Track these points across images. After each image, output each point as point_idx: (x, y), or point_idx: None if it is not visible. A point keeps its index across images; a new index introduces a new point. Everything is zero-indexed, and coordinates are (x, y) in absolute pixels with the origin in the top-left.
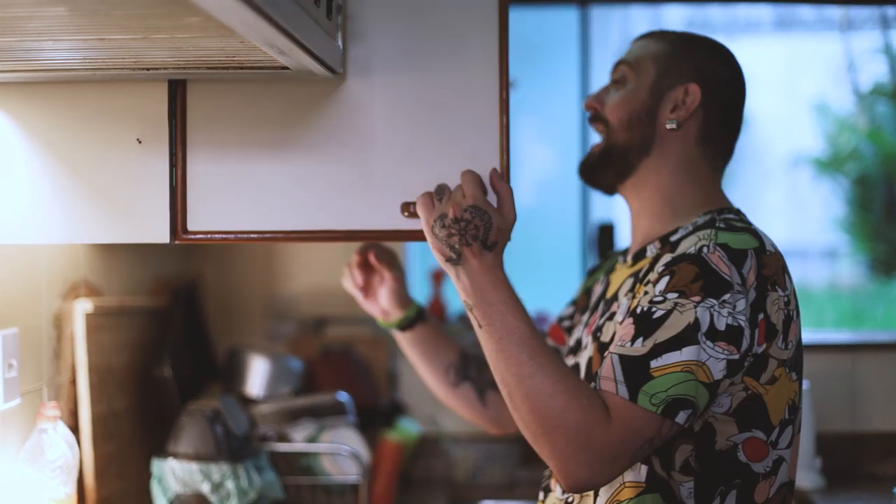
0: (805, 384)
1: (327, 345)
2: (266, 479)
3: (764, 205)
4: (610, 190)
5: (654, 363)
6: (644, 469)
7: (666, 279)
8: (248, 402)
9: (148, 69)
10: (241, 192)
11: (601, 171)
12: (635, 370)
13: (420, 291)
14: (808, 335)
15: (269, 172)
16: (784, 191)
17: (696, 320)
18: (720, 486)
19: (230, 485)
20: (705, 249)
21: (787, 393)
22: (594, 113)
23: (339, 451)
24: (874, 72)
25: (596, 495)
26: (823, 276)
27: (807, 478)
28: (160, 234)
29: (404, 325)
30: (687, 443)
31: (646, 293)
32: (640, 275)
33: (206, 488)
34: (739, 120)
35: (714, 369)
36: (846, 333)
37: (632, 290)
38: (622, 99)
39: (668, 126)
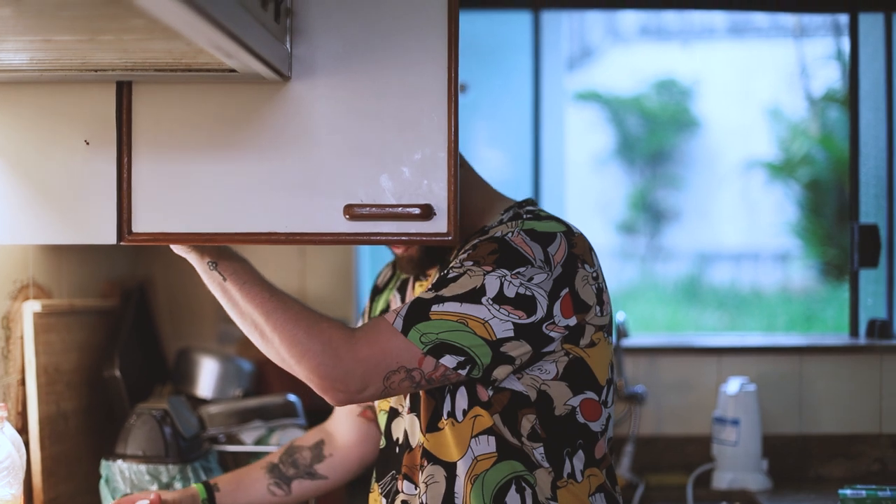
0: (752, 387)
1: None
2: None
3: (717, 208)
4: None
5: (434, 307)
6: (493, 440)
7: (466, 253)
8: (197, 403)
9: (95, 70)
10: (185, 195)
11: (429, 260)
12: (416, 310)
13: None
14: (757, 338)
15: (214, 174)
16: (737, 195)
17: (483, 286)
18: (566, 447)
19: (179, 486)
20: (509, 235)
21: (607, 354)
22: None
23: None
24: (826, 78)
25: (454, 476)
26: (775, 280)
27: (754, 479)
28: (106, 235)
29: None
30: (529, 412)
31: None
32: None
33: (154, 489)
34: None
35: (498, 328)
36: (795, 336)
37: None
38: None
39: None
